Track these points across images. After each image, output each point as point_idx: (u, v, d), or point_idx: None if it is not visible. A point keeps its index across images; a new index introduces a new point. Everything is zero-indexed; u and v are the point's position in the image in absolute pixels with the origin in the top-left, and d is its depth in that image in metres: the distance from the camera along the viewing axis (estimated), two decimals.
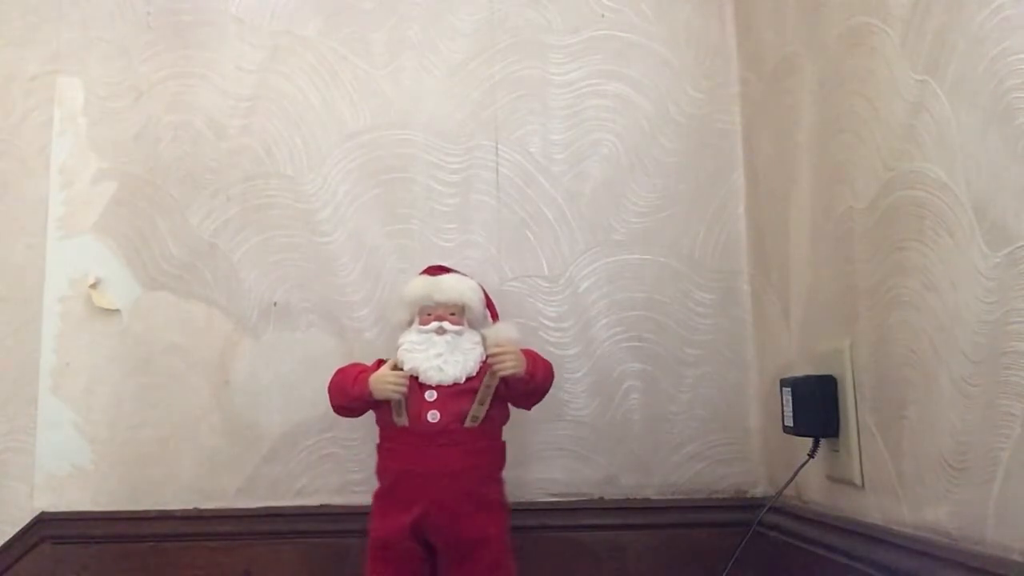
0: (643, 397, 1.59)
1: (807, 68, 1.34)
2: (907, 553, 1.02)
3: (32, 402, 1.61)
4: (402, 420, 1.34)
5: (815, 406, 1.25)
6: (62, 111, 1.68)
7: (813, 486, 1.36)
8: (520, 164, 1.65)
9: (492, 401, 1.36)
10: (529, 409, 1.45)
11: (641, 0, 1.68)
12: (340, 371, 1.41)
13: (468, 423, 1.34)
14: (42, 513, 1.57)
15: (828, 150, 1.26)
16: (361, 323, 1.62)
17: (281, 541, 1.55)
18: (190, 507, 1.57)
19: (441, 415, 1.33)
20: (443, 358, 1.35)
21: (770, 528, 1.43)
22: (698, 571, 1.51)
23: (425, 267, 1.48)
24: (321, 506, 1.57)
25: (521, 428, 1.53)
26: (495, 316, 1.46)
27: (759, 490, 1.57)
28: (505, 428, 1.43)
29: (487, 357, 1.36)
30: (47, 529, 1.56)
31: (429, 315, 1.38)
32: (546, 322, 1.62)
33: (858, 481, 1.18)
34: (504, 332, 1.40)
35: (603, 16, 1.68)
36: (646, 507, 1.56)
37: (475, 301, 1.40)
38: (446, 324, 1.36)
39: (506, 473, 1.42)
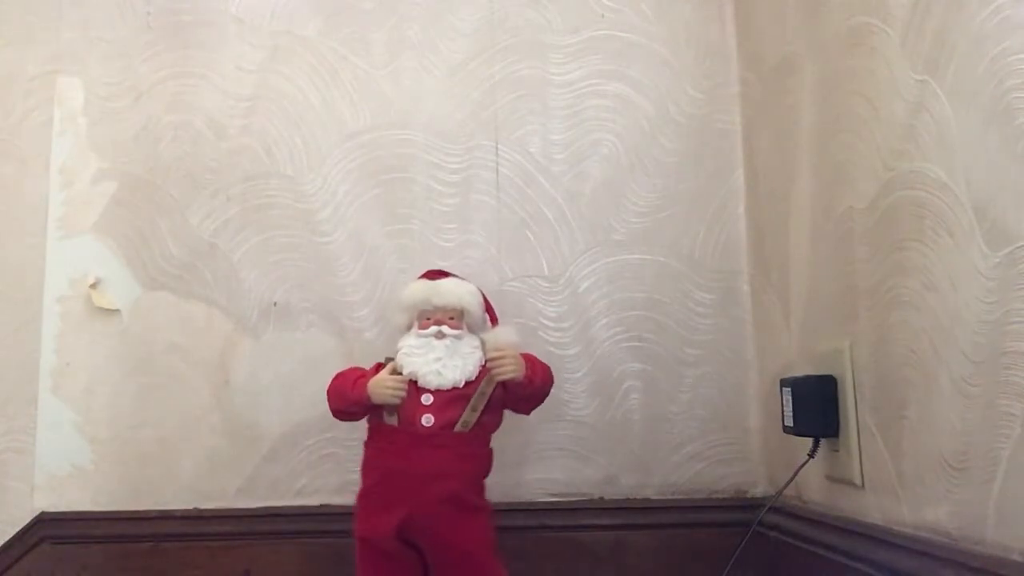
0: (643, 397, 1.59)
1: (807, 68, 1.34)
2: (907, 553, 1.02)
3: (32, 402, 1.61)
4: (392, 420, 1.34)
5: (815, 406, 1.25)
6: (62, 111, 1.68)
7: (813, 486, 1.36)
8: (520, 164, 1.65)
9: (486, 408, 1.36)
10: (528, 414, 1.44)
11: (641, 0, 1.68)
12: (339, 375, 1.40)
13: (458, 428, 1.33)
14: (42, 513, 1.57)
15: (828, 150, 1.26)
16: (361, 323, 1.62)
17: (281, 541, 1.55)
18: (190, 507, 1.57)
19: (435, 420, 1.33)
20: (442, 362, 1.34)
21: (770, 528, 1.43)
22: (698, 571, 1.51)
23: (424, 271, 1.48)
24: (321, 506, 1.57)
25: (521, 428, 1.53)
26: (494, 320, 1.45)
27: (759, 490, 1.57)
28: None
29: (486, 361, 1.36)
30: (47, 529, 1.56)
31: (428, 319, 1.38)
32: (546, 322, 1.62)
33: (858, 481, 1.18)
34: (503, 336, 1.40)
35: (603, 16, 1.68)
36: (646, 507, 1.56)
37: (474, 305, 1.40)
38: (445, 328, 1.36)
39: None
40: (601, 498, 1.57)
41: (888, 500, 1.11)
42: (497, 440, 1.41)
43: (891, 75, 1.07)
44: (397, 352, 1.38)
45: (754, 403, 1.59)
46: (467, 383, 1.35)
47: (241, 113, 1.67)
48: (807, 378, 1.28)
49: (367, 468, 1.37)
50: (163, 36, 1.70)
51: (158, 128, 1.67)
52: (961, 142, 0.93)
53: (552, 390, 1.43)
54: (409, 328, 1.41)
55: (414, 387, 1.34)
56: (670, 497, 1.57)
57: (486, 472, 1.38)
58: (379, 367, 1.39)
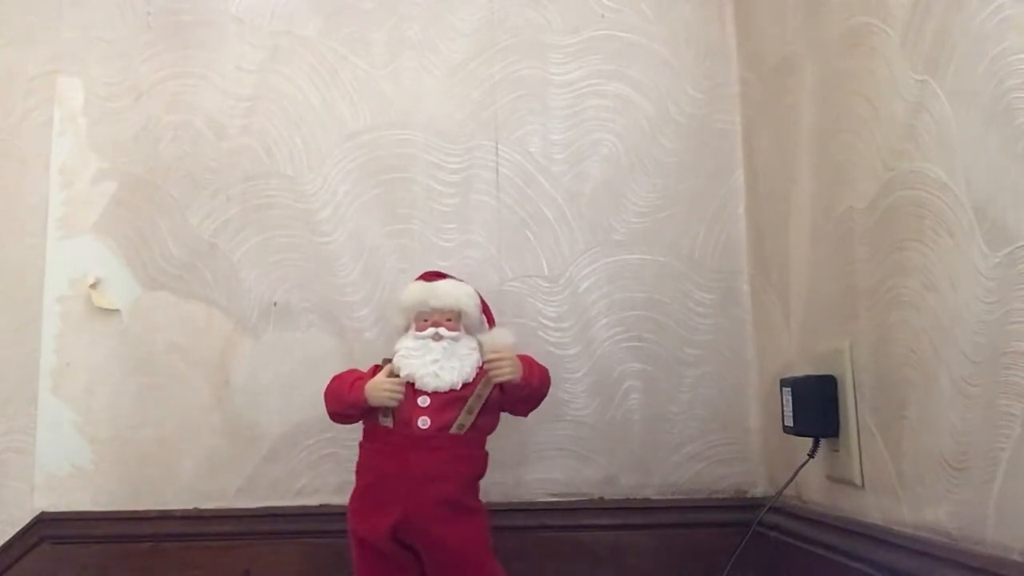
0: (643, 397, 1.59)
1: (807, 68, 1.34)
2: (907, 553, 1.02)
3: (32, 402, 1.61)
4: (387, 421, 1.34)
5: (815, 406, 1.25)
6: (62, 111, 1.68)
7: (813, 486, 1.36)
8: (520, 164, 1.65)
9: (482, 410, 1.35)
10: (525, 416, 1.44)
11: (641, 0, 1.68)
12: (336, 378, 1.40)
13: (454, 430, 1.33)
14: (42, 513, 1.57)
15: (828, 150, 1.26)
16: (361, 323, 1.62)
17: (281, 541, 1.55)
18: (190, 507, 1.57)
19: (432, 422, 1.32)
20: (439, 364, 1.34)
21: (770, 528, 1.43)
22: (698, 571, 1.51)
23: (421, 273, 1.48)
24: (321, 506, 1.57)
25: (521, 428, 1.53)
26: (491, 322, 1.45)
27: (759, 490, 1.57)
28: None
29: (483, 363, 1.36)
30: (47, 529, 1.56)
31: (425, 321, 1.38)
32: (546, 322, 1.62)
33: (858, 481, 1.18)
34: (501, 338, 1.39)
35: (603, 16, 1.68)
36: (646, 507, 1.56)
37: (471, 307, 1.40)
38: (442, 330, 1.36)
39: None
40: (601, 498, 1.57)
41: (888, 500, 1.11)
42: (497, 440, 1.41)
43: (891, 75, 1.07)
44: (395, 354, 1.38)
45: (754, 403, 1.59)
46: (464, 385, 1.35)
47: (241, 113, 1.67)
48: (807, 378, 1.28)
49: (362, 469, 1.37)
50: (163, 36, 1.70)
51: (158, 128, 1.67)
52: (961, 142, 0.93)
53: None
54: (406, 330, 1.41)
55: (411, 389, 1.34)
56: (670, 497, 1.57)
57: (480, 474, 1.38)
58: (376, 369, 1.39)
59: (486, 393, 1.35)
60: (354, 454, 1.56)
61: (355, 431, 1.54)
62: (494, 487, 1.47)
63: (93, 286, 1.62)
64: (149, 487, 1.58)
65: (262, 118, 1.67)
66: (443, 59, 1.68)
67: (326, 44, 1.69)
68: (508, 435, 1.47)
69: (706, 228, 1.63)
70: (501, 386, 1.35)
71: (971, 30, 0.91)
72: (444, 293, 1.39)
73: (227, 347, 1.61)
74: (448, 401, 1.34)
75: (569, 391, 1.59)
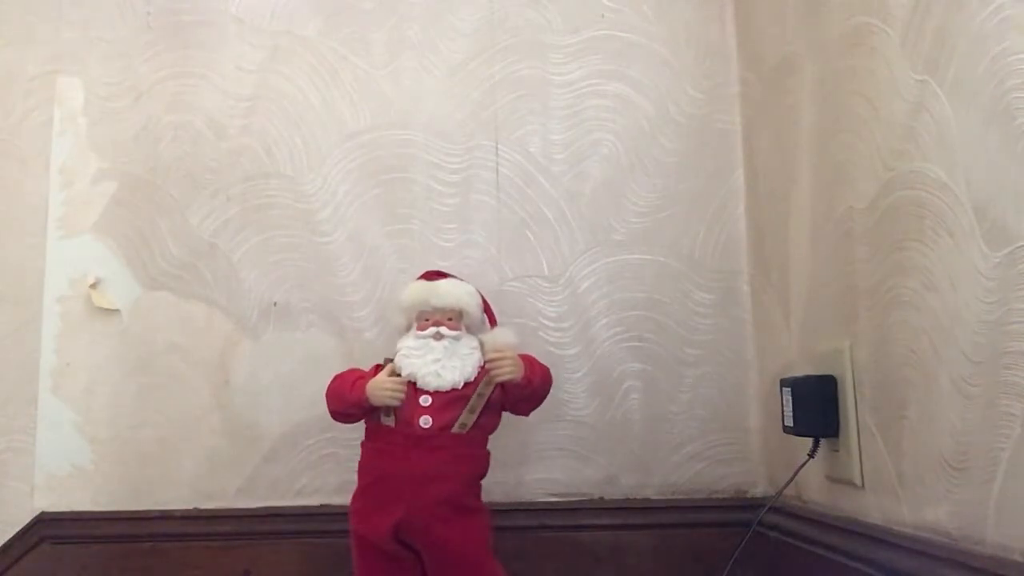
0: (643, 397, 1.59)
1: (807, 68, 1.34)
2: (907, 553, 1.02)
3: (32, 402, 1.61)
4: (389, 420, 1.34)
5: (815, 406, 1.25)
6: (62, 111, 1.68)
7: (813, 486, 1.36)
8: (520, 164, 1.65)
9: (484, 409, 1.35)
10: (527, 415, 1.44)
11: (641, 0, 1.68)
12: (338, 377, 1.40)
13: (456, 429, 1.33)
14: (42, 513, 1.57)
15: (828, 150, 1.26)
16: (361, 323, 1.62)
17: (281, 541, 1.55)
18: (190, 507, 1.57)
19: (433, 421, 1.32)
20: (441, 363, 1.34)
21: (770, 528, 1.43)
22: (698, 571, 1.51)
23: (422, 272, 1.48)
24: (321, 506, 1.57)
25: (521, 428, 1.53)
26: (493, 321, 1.45)
27: (759, 490, 1.57)
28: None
29: (485, 362, 1.36)
30: (47, 529, 1.56)
31: (427, 320, 1.38)
32: (546, 322, 1.62)
33: (858, 481, 1.18)
34: (502, 337, 1.39)
35: (603, 16, 1.68)
36: (646, 507, 1.56)
37: (472, 306, 1.40)
38: (443, 329, 1.36)
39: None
40: (601, 498, 1.57)
41: (888, 500, 1.11)
42: (497, 440, 1.41)
43: (891, 75, 1.07)
44: (396, 353, 1.38)
45: (754, 403, 1.59)
46: (466, 384, 1.35)
47: (241, 113, 1.67)
48: (807, 378, 1.28)
49: (363, 468, 1.37)
50: (163, 36, 1.70)
51: (158, 128, 1.67)
52: (961, 142, 0.93)
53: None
54: (408, 329, 1.41)
55: (413, 388, 1.34)
56: (670, 497, 1.57)
57: (482, 474, 1.38)
58: (378, 368, 1.39)
59: (488, 392, 1.35)
60: (354, 454, 1.56)
61: (355, 431, 1.54)
62: (495, 487, 1.47)
63: (93, 286, 1.62)
64: (149, 487, 1.58)
65: (262, 118, 1.67)
66: (443, 59, 1.68)
67: (326, 44, 1.69)
68: (509, 435, 1.47)
69: (706, 228, 1.63)
70: (503, 385, 1.35)
71: (971, 30, 0.91)
72: (445, 292, 1.39)
73: (227, 347, 1.61)
74: (450, 400, 1.34)
75: (569, 391, 1.59)
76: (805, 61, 1.35)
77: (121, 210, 1.65)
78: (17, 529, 1.56)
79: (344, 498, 1.55)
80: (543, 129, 1.66)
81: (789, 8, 1.41)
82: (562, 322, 1.62)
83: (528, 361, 1.37)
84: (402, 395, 1.33)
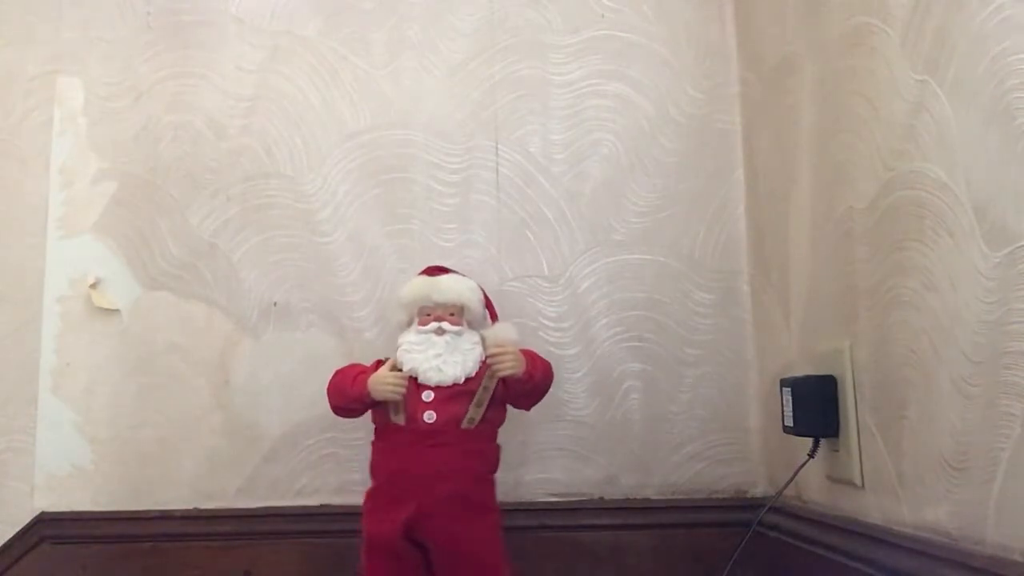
0: (643, 397, 1.59)
1: (807, 68, 1.34)
2: (907, 553, 1.02)
3: (32, 402, 1.61)
4: (399, 418, 1.34)
5: (815, 406, 1.25)
6: (62, 111, 1.68)
7: (813, 486, 1.36)
8: (520, 164, 1.65)
9: (489, 403, 1.36)
10: (528, 410, 1.44)
11: (641, 0, 1.68)
12: (339, 372, 1.41)
13: (464, 425, 1.34)
14: (42, 513, 1.57)
15: (828, 150, 1.26)
16: (361, 323, 1.62)
17: (281, 541, 1.55)
18: (190, 507, 1.57)
19: (438, 416, 1.33)
20: (442, 358, 1.34)
21: (770, 528, 1.43)
22: (698, 571, 1.51)
23: (424, 268, 1.48)
24: (321, 506, 1.57)
25: (521, 428, 1.53)
26: (494, 316, 1.45)
27: (759, 490, 1.57)
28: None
29: (486, 357, 1.36)
30: (47, 529, 1.56)
31: (428, 315, 1.38)
32: (546, 322, 1.62)
33: (858, 481, 1.18)
34: (503, 332, 1.40)
35: (603, 16, 1.68)
36: (646, 507, 1.56)
37: (474, 301, 1.40)
38: (445, 324, 1.36)
39: (506, 473, 1.42)
40: (601, 498, 1.57)
41: (888, 500, 1.11)
42: (498, 439, 1.41)
43: (891, 75, 1.07)
44: (397, 348, 1.38)
45: (754, 403, 1.59)
46: (467, 379, 1.35)
47: (241, 113, 1.67)
48: (807, 378, 1.28)
49: (375, 468, 1.38)
50: (163, 36, 1.70)
51: (158, 128, 1.67)
52: (961, 142, 0.93)
53: (552, 390, 1.43)
54: (409, 324, 1.41)
55: (415, 385, 1.35)
56: (670, 497, 1.57)
57: (493, 468, 1.39)
58: (379, 364, 1.39)
59: (492, 386, 1.35)
60: (354, 454, 1.57)
61: (355, 431, 1.55)
62: None
63: (93, 286, 1.62)
64: (149, 487, 1.58)
65: (262, 118, 1.67)
66: (443, 59, 1.68)
67: (326, 44, 1.69)
68: (509, 435, 1.47)
69: (706, 228, 1.63)
70: (504, 380, 1.35)
71: (971, 30, 0.91)
72: (447, 288, 1.39)
73: (227, 347, 1.61)
74: (452, 395, 1.34)
75: (569, 391, 1.59)
76: (805, 61, 1.35)
77: (121, 210, 1.65)
78: (17, 529, 1.56)
79: (344, 498, 1.56)
80: (543, 129, 1.66)
81: (789, 8, 1.41)
82: (562, 322, 1.62)
83: (529, 356, 1.37)
84: (403, 389, 1.33)
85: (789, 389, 1.29)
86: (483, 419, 1.35)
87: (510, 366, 1.33)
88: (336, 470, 1.58)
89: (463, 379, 1.34)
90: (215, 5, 1.70)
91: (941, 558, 0.95)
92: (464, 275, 1.45)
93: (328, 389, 1.40)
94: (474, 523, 1.32)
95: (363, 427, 1.51)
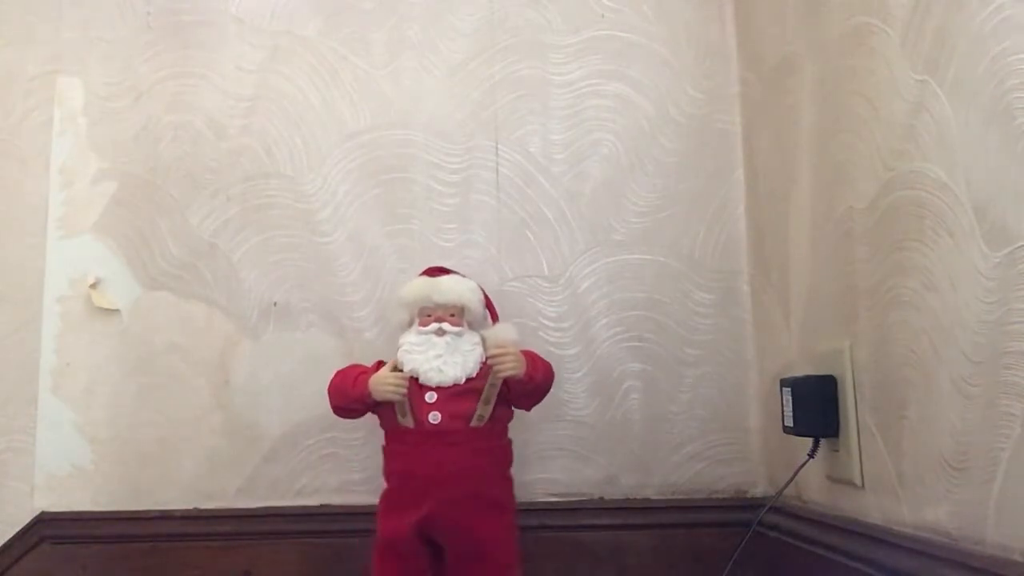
0: (643, 397, 1.59)
1: (807, 68, 1.34)
2: (907, 553, 1.02)
3: (32, 402, 1.61)
4: (407, 421, 1.34)
5: (815, 406, 1.25)
6: (62, 111, 1.68)
7: (813, 486, 1.36)
8: (520, 164, 1.65)
9: (496, 400, 1.36)
10: (528, 410, 1.45)
11: (641, 0, 1.68)
12: (340, 373, 1.41)
13: (474, 422, 1.34)
14: (42, 513, 1.57)
15: (828, 150, 1.26)
16: (361, 323, 1.62)
17: (281, 541, 1.55)
18: (190, 507, 1.57)
19: (442, 416, 1.33)
20: (442, 359, 1.34)
21: (770, 528, 1.43)
22: (698, 571, 1.51)
23: (424, 268, 1.48)
24: (321, 506, 1.57)
25: (521, 428, 1.53)
26: (495, 317, 1.45)
27: (759, 490, 1.57)
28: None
29: (487, 358, 1.36)
30: (47, 529, 1.56)
31: (429, 316, 1.38)
32: (546, 322, 1.62)
33: (858, 481, 1.18)
34: (504, 333, 1.40)
35: (603, 16, 1.68)
36: (646, 507, 1.56)
37: (474, 302, 1.40)
38: (445, 325, 1.36)
39: (513, 471, 1.42)
40: (601, 498, 1.57)
41: (888, 500, 1.11)
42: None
43: (891, 75, 1.07)
44: (398, 349, 1.38)
45: (754, 403, 1.59)
46: (468, 380, 1.35)
47: (241, 113, 1.67)
48: (807, 378, 1.28)
49: (387, 471, 1.38)
50: (163, 36, 1.70)
51: (158, 128, 1.67)
52: (961, 142, 0.93)
53: (552, 389, 1.43)
54: (410, 325, 1.41)
55: (417, 386, 1.35)
56: (670, 497, 1.57)
57: (508, 463, 1.39)
58: (380, 365, 1.39)
59: (499, 382, 1.35)
60: (354, 454, 1.57)
61: (355, 431, 1.55)
62: None
63: (93, 286, 1.62)
64: (149, 487, 1.58)
65: (262, 118, 1.67)
66: (443, 59, 1.68)
67: (326, 44, 1.69)
68: (509, 435, 1.47)
69: (706, 228, 1.63)
70: (505, 381, 1.35)
71: (971, 30, 0.91)
72: (448, 288, 1.39)
73: (227, 347, 1.61)
74: (455, 395, 1.34)
75: (569, 391, 1.59)
76: (805, 61, 1.35)
77: (121, 210, 1.65)
78: (17, 529, 1.56)
79: (344, 498, 1.56)
80: (543, 129, 1.66)
81: (789, 8, 1.41)
82: (562, 322, 1.62)
83: (530, 357, 1.37)
84: (404, 389, 1.33)
85: (789, 389, 1.29)
86: (492, 416, 1.35)
87: (511, 367, 1.33)
88: (336, 470, 1.58)
89: (463, 379, 1.34)
90: (215, 5, 1.70)
91: (941, 558, 0.95)
92: (465, 276, 1.45)
93: (329, 390, 1.40)
94: (488, 522, 1.32)
95: (363, 427, 1.52)
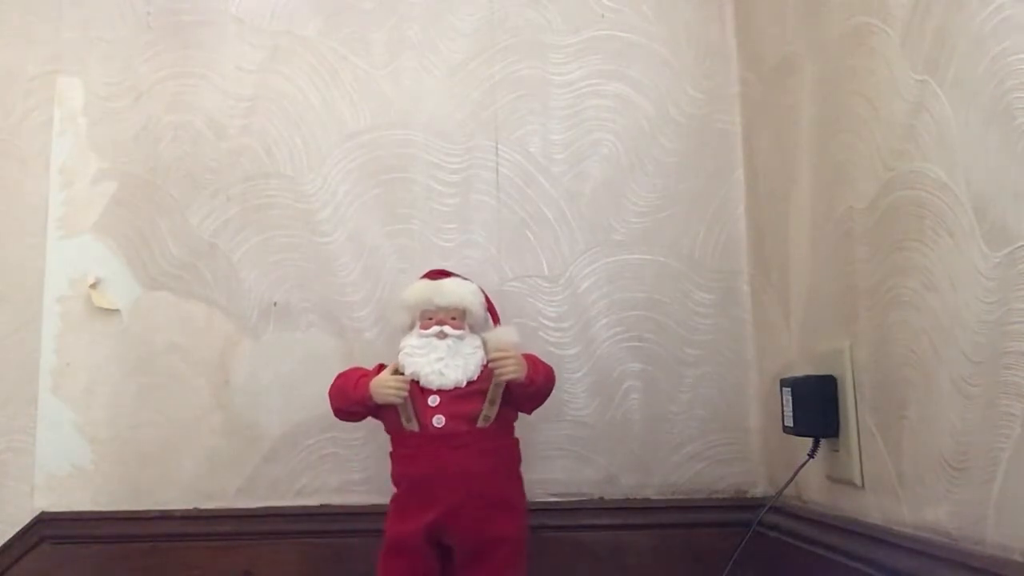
0: (643, 397, 1.59)
1: (807, 68, 1.34)
2: (907, 553, 1.02)
3: (32, 402, 1.61)
4: (412, 425, 1.34)
5: (815, 406, 1.25)
6: (62, 111, 1.68)
7: (813, 486, 1.36)
8: (520, 164, 1.65)
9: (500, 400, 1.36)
10: (529, 413, 1.44)
11: (641, 0, 1.68)
12: (341, 375, 1.41)
13: (480, 423, 1.34)
14: (42, 513, 1.57)
15: (828, 150, 1.26)
16: (361, 323, 1.62)
17: (281, 541, 1.55)
18: (190, 507, 1.57)
19: (446, 419, 1.33)
20: (444, 362, 1.34)
21: (770, 528, 1.43)
22: (698, 571, 1.51)
23: (426, 271, 1.48)
24: (321, 506, 1.57)
25: (521, 428, 1.53)
26: (496, 320, 1.45)
27: (759, 490, 1.57)
28: None
29: (488, 361, 1.36)
30: (47, 529, 1.56)
31: (430, 319, 1.38)
32: (546, 322, 1.62)
33: (858, 481, 1.18)
34: (505, 336, 1.40)
35: (603, 16, 1.68)
36: (646, 507, 1.56)
37: (476, 305, 1.40)
38: (447, 328, 1.36)
39: (522, 470, 1.42)
40: (601, 498, 1.57)
41: (888, 500, 1.11)
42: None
43: (891, 75, 1.07)
44: (399, 352, 1.38)
45: (754, 403, 1.59)
46: (469, 383, 1.35)
47: (241, 113, 1.67)
48: (807, 378, 1.28)
49: (395, 476, 1.38)
50: (163, 36, 1.70)
51: (158, 128, 1.67)
52: (961, 142, 0.93)
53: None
54: (411, 328, 1.41)
55: (419, 389, 1.35)
56: (670, 497, 1.57)
57: (517, 462, 1.40)
58: (381, 368, 1.39)
59: (503, 382, 1.35)
60: (354, 454, 1.57)
61: (356, 431, 1.55)
62: None
63: (93, 286, 1.62)
64: (149, 487, 1.58)
65: (262, 118, 1.67)
66: (443, 59, 1.68)
67: (326, 44, 1.69)
68: None
69: (706, 228, 1.63)
70: (506, 384, 1.35)
71: (971, 30, 0.91)
72: (449, 291, 1.39)
73: (227, 347, 1.61)
74: (457, 397, 1.34)
75: (569, 391, 1.59)
76: (805, 61, 1.35)
77: (121, 210, 1.65)
78: (17, 529, 1.56)
79: (344, 498, 1.56)
80: (543, 129, 1.66)
81: (789, 8, 1.41)
82: (562, 322, 1.62)
83: (531, 360, 1.37)
84: (405, 392, 1.33)
85: (789, 389, 1.29)
86: (497, 416, 1.35)
87: (512, 370, 1.33)
88: (336, 470, 1.58)
89: (465, 383, 1.34)
90: (215, 5, 1.70)
91: (941, 558, 0.95)
92: (467, 278, 1.45)
93: (330, 392, 1.40)
94: (498, 522, 1.32)
95: (363, 427, 1.52)
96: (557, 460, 1.58)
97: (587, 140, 1.65)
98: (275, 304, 1.62)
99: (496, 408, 1.35)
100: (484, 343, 1.38)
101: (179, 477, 1.58)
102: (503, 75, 1.67)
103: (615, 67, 1.67)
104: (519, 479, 1.40)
